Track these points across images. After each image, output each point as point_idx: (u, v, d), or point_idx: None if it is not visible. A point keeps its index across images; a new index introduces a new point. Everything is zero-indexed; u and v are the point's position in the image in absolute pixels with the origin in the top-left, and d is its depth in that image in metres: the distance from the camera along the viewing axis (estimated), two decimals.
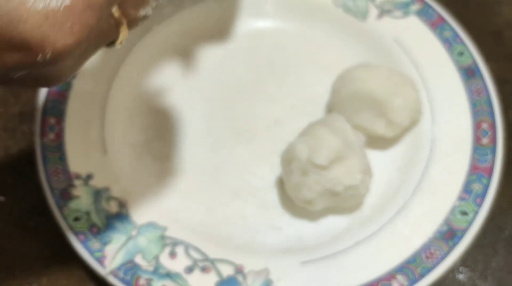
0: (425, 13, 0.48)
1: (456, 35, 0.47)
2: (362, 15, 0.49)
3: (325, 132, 0.38)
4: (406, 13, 0.48)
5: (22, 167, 0.44)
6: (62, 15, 0.21)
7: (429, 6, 0.48)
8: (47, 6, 0.21)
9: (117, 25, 0.27)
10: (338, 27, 0.49)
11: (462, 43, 0.46)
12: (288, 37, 0.50)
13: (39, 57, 0.22)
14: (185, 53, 0.48)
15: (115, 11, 0.27)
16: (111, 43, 0.28)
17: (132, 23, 0.28)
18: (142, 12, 0.28)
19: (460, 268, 0.40)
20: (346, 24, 0.49)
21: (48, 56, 0.22)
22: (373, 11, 0.49)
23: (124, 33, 0.28)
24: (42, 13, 0.21)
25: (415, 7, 0.48)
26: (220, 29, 0.50)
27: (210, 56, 0.47)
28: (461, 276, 0.40)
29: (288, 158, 0.40)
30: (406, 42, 0.47)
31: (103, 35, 0.27)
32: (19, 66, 0.22)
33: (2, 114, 0.47)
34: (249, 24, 0.50)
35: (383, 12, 0.49)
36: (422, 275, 0.36)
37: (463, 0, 0.55)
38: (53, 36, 0.22)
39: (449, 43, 0.46)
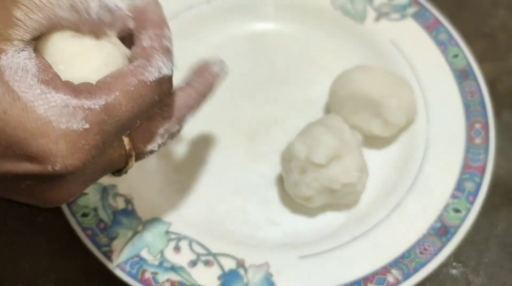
0: (421, 16, 0.48)
1: (451, 37, 0.47)
2: (360, 17, 0.49)
3: (323, 131, 0.39)
4: (403, 16, 0.49)
5: None
6: (77, 136, 0.24)
7: (426, 9, 0.49)
8: (69, 127, 0.24)
9: (126, 156, 0.29)
10: (336, 30, 0.50)
11: (457, 45, 0.47)
12: (288, 39, 0.50)
13: (49, 168, 0.24)
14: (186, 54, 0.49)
15: (127, 143, 0.29)
16: (117, 171, 0.31)
17: (139, 156, 0.31)
18: (149, 147, 0.31)
19: (454, 264, 0.41)
20: (345, 27, 0.49)
21: (57, 169, 0.24)
22: (371, 14, 0.49)
23: (131, 164, 0.30)
24: (63, 132, 0.23)
25: (412, 9, 0.49)
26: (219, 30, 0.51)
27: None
28: (454, 271, 0.41)
29: (287, 157, 0.40)
30: (403, 44, 0.47)
31: (111, 163, 0.29)
32: (29, 175, 0.24)
33: None
34: (250, 26, 0.51)
35: (380, 14, 0.49)
36: (416, 270, 0.37)
37: (459, 2, 0.56)
38: (65, 152, 0.24)
39: (444, 45, 0.47)
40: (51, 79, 0.24)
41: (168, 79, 0.28)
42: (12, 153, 0.23)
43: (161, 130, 0.31)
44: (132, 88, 0.26)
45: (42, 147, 0.23)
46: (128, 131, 0.28)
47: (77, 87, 0.25)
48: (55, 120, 0.23)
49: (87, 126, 0.24)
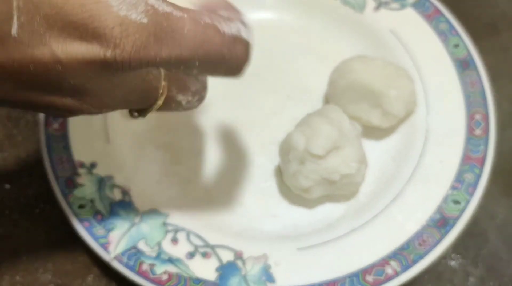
0: (421, 5, 0.48)
1: (451, 27, 0.47)
2: (360, 7, 0.49)
3: (321, 122, 0.39)
4: (403, 5, 0.49)
5: (27, 155, 0.45)
6: (133, 28, 0.23)
7: None
8: (128, 15, 0.23)
9: (159, 91, 0.29)
10: (336, 19, 0.50)
11: (458, 35, 0.47)
12: (287, 28, 0.50)
13: (100, 53, 0.23)
14: None
15: (164, 77, 0.29)
16: (142, 110, 0.30)
17: (168, 100, 0.30)
18: (180, 97, 0.31)
19: (452, 255, 0.41)
20: (344, 16, 0.49)
21: (108, 55, 0.23)
22: (371, 3, 0.49)
23: (160, 102, 0.30)
24: (120, 19, 0.22)
25: None
26: None
27: None
28: (453, 263, 0.41)
29: (285, 148, 0.40)
30: (403, 34, 0.47)
31: (146, 90, 0.29)
32: (81, 62, 0.23)
33: None
34: (248, 16, 0.49)
35: (380, 4, 0.49)
36: (414, 261, 0.37)
37: None
38: (119, 39, 0.23)
39: (445, 35, 0.47)
40: None
41: (246, 44, 0.27)
42: (66, 33, 0.23)
43: (193, 88, 0.31)
44: (202, 23, 0.25)
45: (98, 30, 0.22)
46: (181, 67, 0.26)
47: None
48: (116, 5, 0.22)
49: (145, 20, 0.23)
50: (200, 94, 0.33)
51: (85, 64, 0.23)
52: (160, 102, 0.30)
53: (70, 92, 0.25)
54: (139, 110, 0.31)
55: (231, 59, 0.27)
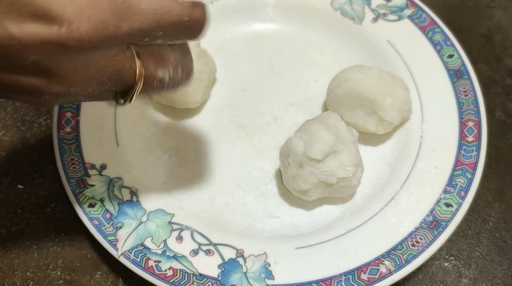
0: (418, 17, 0.50)
1: (446, 38, 0.48)
2: (359, 18, 0.50)
3: (320, 128, 0.40)
4: (400, 17, 0.50)
5: (39, 157, 0.46)
6: (86, 4, 0.22)
7: (422, 10, 0.50)
8: None
9: (136, 73, 0.28)
10: (335, 30, 0.51)
11: (452, 46, 0.48)
12: (288, 39, 0.51)
13: (54, 30, 0.22)
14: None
15: (137, 55, 0.27)
16: (123, 94, 0.29)
17: (148, 79, 0.29)
18: (160, 73, 0.29)
19: (446, 257, 0.42)
20: (343, 27, 0.50)
21: (63, 32, 0.22)
22: (369, 15, 0.50)
23: (139, 85, 0.28)
24: None
25: (409, 11, 0.50)
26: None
27: (214, 57, 0.48)
28: (446, 264, 0.42)
29: (285, 152, 0.41)
30: (399, 44, 0.49)
31: (120, 72, 0.27)
32: (36, 39, 0.23)
33: (20, 108, 0.49)
34: (251, 26, 0.52)
35: (378, 15, 0.50)
36: (408, 261, 0.38)
37: (456, 4, 0.57)
38: (72, 15, 0.22)
39: (440, 45, 0.48)
40: None
41: (202, 7, 0.27)
42: (15, 12, 0.22)
43: (171, 58, 0.29)
44: None
45: (49, 7, 0.22)
46: (145, 39, 0.26)
47: None
48: None
49: None
50: (182, 65, 0.30)
51: (41, 42, 0.23)
52: (140, 83, 0.28)
53: (34, 71, 0.24)
54: (123, 95, 0.29)
55: (192, 24, 0.27)
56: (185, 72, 0.30)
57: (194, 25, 0.27)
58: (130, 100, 0.29)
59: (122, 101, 0.30)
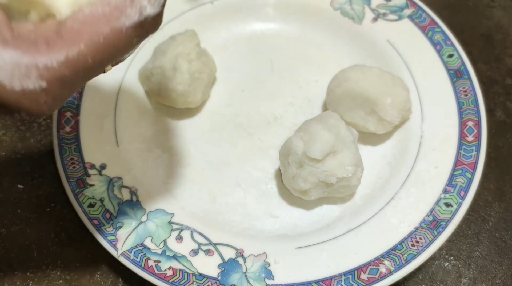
0: (418, 17, 0.50)
1: (446, 37, 0.48)
2: (359, 18, 0.51)
3: (319, 128, 0.40)
4: (400, 17, 0.50)
5: (39, 157, 0.46)
6: (37, 94, 0.22)
7: (422, 10, 0.50)
8: (25, 87, 0.22)
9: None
10: (335, 30, 0.51)
11: (452, 45, 0.48)
12: (288, 38, 0.51)
13: (16, 115, 0.23)
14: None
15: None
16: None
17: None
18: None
19: (446, 256, 0.42)
20: (343, 27, 0.51)
21: (25, 117, 0.23)
22: (369, 14, 0.50)
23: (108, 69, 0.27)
24: (21, 94, 0.22)
25: (409, 11, 0.50)
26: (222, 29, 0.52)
27: (214, 56, 0.49)
28: (446, 264, 0.42)
29: (285, 152, 0.41)
30: (399, 44, 0.49)
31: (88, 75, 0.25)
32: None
33: None
34: (251, 26, 0.52)
35: (378, 15, 0.50)
36: (407, 261, 0.38)
37: (456, 4, 0.57)
38: (28, 107, 0.22)
39: (440, 45, 0.48)
40: None
41: (153, 19, 0.24)
42: None
43: None
44: (102, 40, 0.22)
45: (5, 101, 0.22)
46: (101, 73, 0.25)
47: (34, 36, 0.22)
48: (8, 83, 0.21)
49: (44, 84, 0.22)
50: None
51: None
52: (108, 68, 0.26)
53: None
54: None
55: (142, 39, 0.25)
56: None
57: (149, 33, 0.25)
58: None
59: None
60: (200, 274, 0.38)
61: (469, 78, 0.46)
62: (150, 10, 0.23)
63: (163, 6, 0.24)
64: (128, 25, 0.23)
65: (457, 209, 0.40)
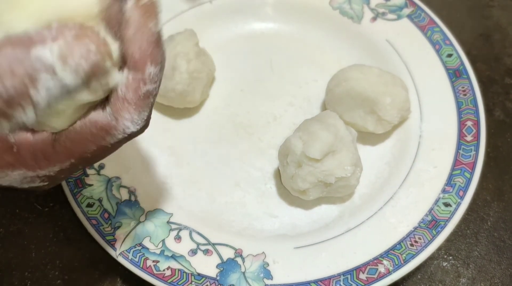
0: (417, 16, 0.50)
1: (445, 37, 0.48)
2: (358, 17, 0.51)
3: (318, 128, 0.40)
4: (399, 16, 0.50)
5: None
6: (41, 186, 0.27)
7: (421, 10, 0.50)
8: (31, 186, 0.26)
9: None
10: (334, 29, 0.51)
11: (451, 45, 0.48)
12: (287, 38, 0.51)
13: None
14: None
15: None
16: None
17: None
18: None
19: (445, 256, 0.42)
20: (342, 26, 0.51)
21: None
22: (368, 14, 0.50)
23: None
24: (27, 188, 0.27)
25: (408, 10, 0.50)
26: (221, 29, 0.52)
27: (213, 56, 0.49)
28: (445, 264, 0.42)
29: (284, 152, 0.41)
30: (398, 43, 0.49)
31: None
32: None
33: None
34: (250, 26, 0.52)
35: (377, 14, 0.50)
36: (406, 261, 0.38)
37: (455, 3, 0.57)
38: (32, 190, 0.27)
39: (439, 45, 0.48)
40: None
41: (136, 133, 0.26)
42: None
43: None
44: (89, 155, 0.26)
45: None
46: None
47: (33, 149, 0.25)
48: (18, 185, 0.26)
49: (45, 184, 0.27)
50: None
51: None
52: None
53: None
54: None
55: (127, 141, 0.27)
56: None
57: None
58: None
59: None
60: (199, 274, 0.38)
61: (468, 78, 0.46)
62: (133, 129, 0.26)
63: (147, 119, 0.26)
64: (112, 142, 0.26)
65: (456, 209, 0.40)
